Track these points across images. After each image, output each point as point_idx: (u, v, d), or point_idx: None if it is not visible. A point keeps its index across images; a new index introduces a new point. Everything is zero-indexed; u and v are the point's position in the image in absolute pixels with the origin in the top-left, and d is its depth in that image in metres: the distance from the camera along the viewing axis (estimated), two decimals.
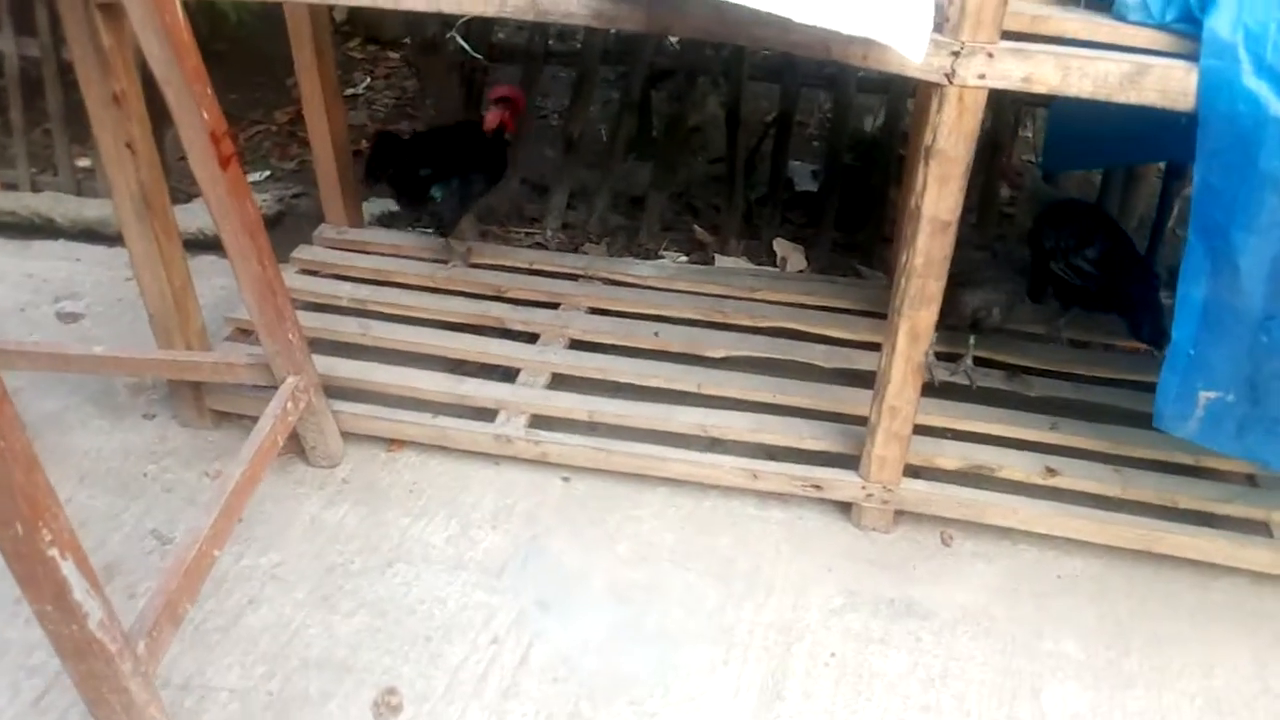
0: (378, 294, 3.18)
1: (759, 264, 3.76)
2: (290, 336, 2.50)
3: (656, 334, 3.00)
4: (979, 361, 2.84)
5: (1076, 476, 2.51)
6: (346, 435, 2.80)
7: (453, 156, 3.22)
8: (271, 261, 2.39)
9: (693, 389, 2.82)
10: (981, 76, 1.88)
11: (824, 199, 3.97)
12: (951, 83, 1.89)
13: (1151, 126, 2.17)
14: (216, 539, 2.19)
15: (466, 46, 3.42)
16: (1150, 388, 2.77)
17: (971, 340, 2.81)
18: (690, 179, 4.22)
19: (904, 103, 3.65)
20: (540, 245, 3.88)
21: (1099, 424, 2.67)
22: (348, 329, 3.01)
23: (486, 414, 2.79)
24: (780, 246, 3.80)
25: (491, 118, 3.21)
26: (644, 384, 2.86)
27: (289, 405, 2.52)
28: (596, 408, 2.73)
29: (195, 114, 2.04)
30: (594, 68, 3.73)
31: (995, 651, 2.30)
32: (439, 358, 3.01)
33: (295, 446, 2.74)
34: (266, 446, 2.41)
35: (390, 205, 4.02)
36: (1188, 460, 2.56)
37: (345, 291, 3.18)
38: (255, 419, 2.49)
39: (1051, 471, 2.51)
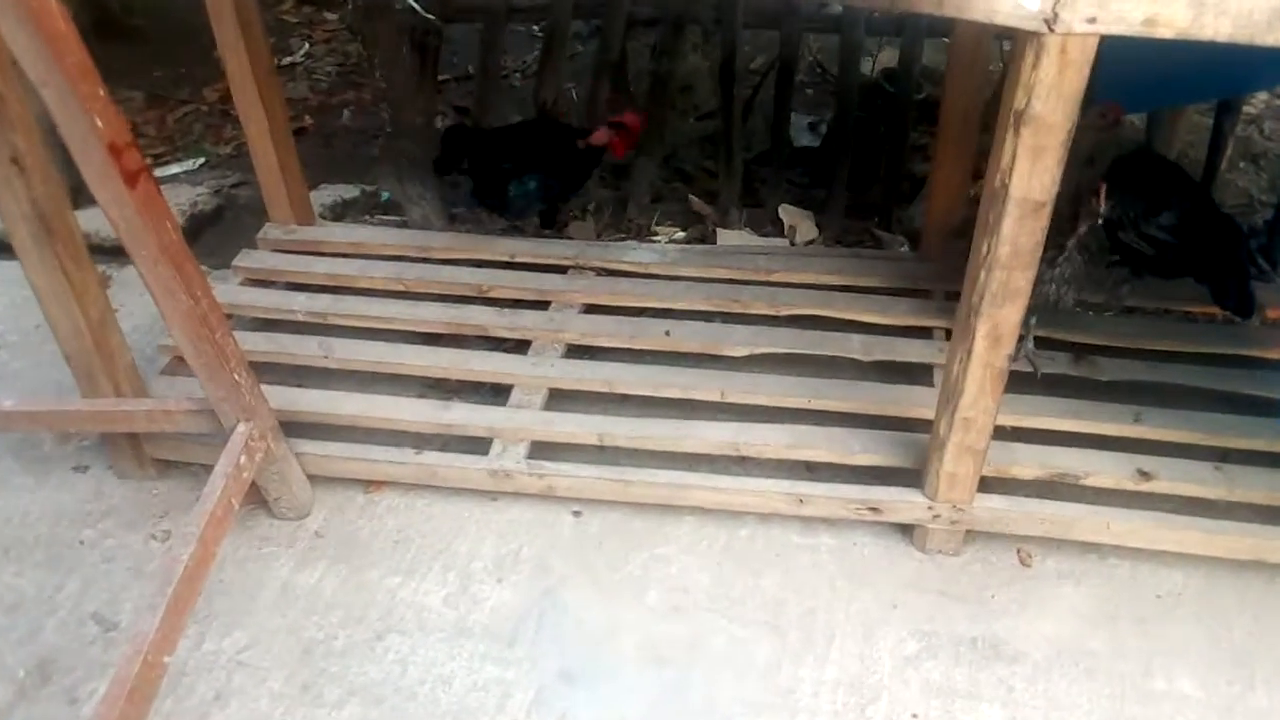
0: (338, 304, 2.74)
1: (764, 234, 3.36)
2: (237, 377, 2.07)
3: (667, 333, 2.59)
4: (1039, 342, 2.47)
5: (1173, 479, 2.16)
6: (315, 479, 2.39)
7: (535, 155, 2.98)
8: (204, 290, 1.95)
9: (715, 397, 2.43)
10: (1092, 20, 1.47)
11: (829, 155, 3.56)
12: (1053, 30, 1.49)
13: (1207, 64, 1.80)
14: (166, 642, 1.79)
15: (416, 6, 2.94)
16: (1243, 362, 2.47)
17: (1032, 320, 2.44)
18: (676, 141, 3.79)
19: (920, 44, 3.23)
20: (516, 229, 3.45)
21: (1189, 411, 2.32)
22: (307, 351, 2.58)
23: (478, 443, 2.39)
24: (787, 214, 3.39)
25: (599, 135, 2.94)
26: (658, 395, 2.46)
27: (243, 460, 2.10)
28: (607, 429, 2.33)
29: (85, 123, 1.58)
30: (566, 21, 3.26)
31: (1102, 697, 1.96)
32: (417, 378, 2.60)
33: (257, 496, 2.33)
34: (219, 515, 2.00)
35: (342, 193, 3.58)
36: None
37: (300, 304, 2.74)
38: (208, 467, 2.07)
39: (1144, 475, 2.16)
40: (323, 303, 2.74)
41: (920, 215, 3.38)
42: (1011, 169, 1.64)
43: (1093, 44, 1.51)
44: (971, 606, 2.14)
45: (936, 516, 2.16)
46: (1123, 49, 1.55)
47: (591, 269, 2.87)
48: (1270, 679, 1.99)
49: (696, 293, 2.74)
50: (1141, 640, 2.07)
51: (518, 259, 2.92)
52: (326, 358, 2.56)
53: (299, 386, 2.52)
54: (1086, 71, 1.54)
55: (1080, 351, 2.49)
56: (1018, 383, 2.40)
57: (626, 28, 3.40)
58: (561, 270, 2.87)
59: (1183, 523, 2.12)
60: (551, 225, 3.25)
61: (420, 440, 2.40)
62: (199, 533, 1.91)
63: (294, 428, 2.34)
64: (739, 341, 2.56)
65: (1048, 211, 1.68)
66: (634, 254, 2.90)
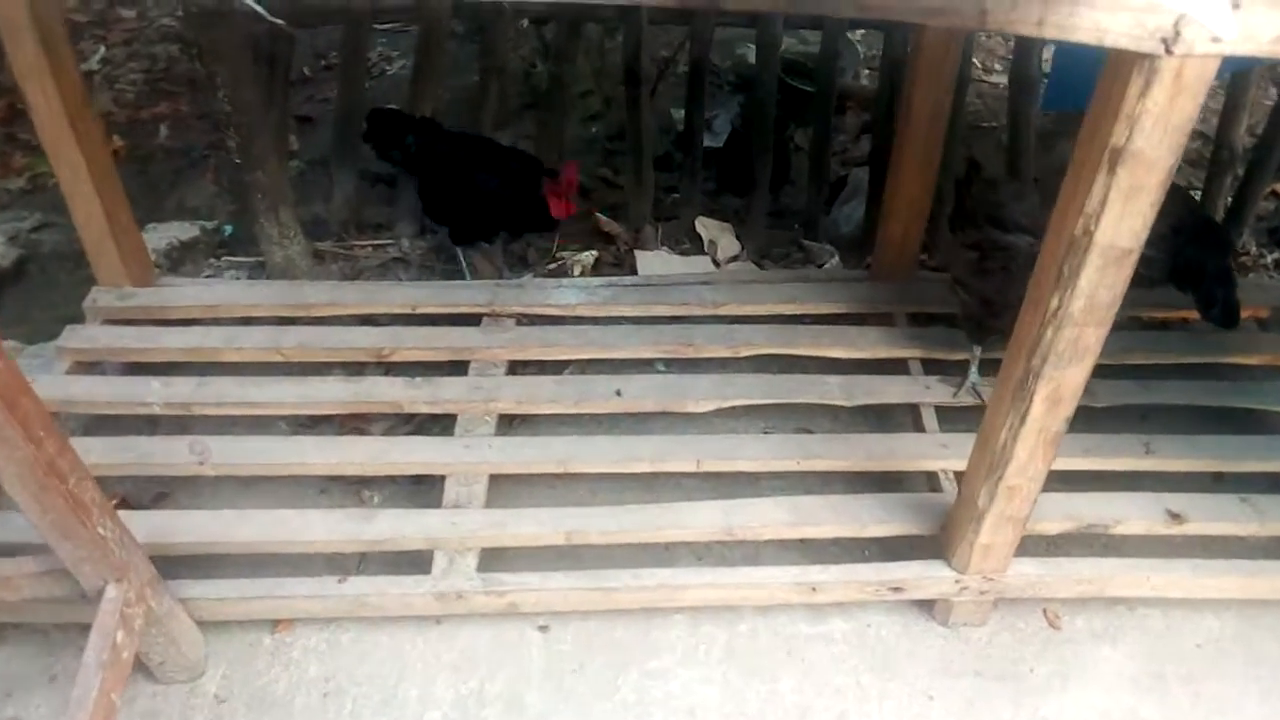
0: (204, 389, 2.20)
1: (682, 251, 3.02)
2: (102, 530, 1.56)
3: (618, 392, 2.22)
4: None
5: (1204, 519, 1.98)
6: (207, 623, 1.89)
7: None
8: (47, 428, 1.43)
9: (690, 468, 2.08)
10: (1216, 40, 1.20)
11: (735, 157, 3.25)
12: (1170, 51, 1.20)
13: None
14: None
15: (261, 10, 2.40)
16: (1229, 371, 2.32)
17: (977, 350, 2.22)
18: (563, 149, 3.38)
19: (840, 38, 2.94)
20: (400, 260, 2.97)
21: (1193, 436, 2.16)
22: (175, 457, 2.04)
23: (415, 558, 1.95)
24: (705, 228, 3.06)
25: (557, 208, 2.57)
26: (623, 470, 2.09)
27: (120, 638, 1.59)
28: (575, 524, 1.94)
29: None
30: (441, 24, 2.78)
31: None
32: (321, 478, 2.12)
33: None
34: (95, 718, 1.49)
35: (177, 233, 2.97)
36: None
37: (154, 392, 2.19)
38: (63, 627, 1.57)
39: (1175, 517, 1.98)
40: (183, 388, 2.20)
41: (845, 220, 3.13)
42: (1100, 213, 1.36)
43: (1212, 68, 1.24)
44: (1011, 686, 1.90)
45: (964, 590, 1.90)
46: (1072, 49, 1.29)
47: (509, 316, 2.44)
48: None
49: (639, 337, 2.37)
50: (1194, 703, 1.88)
51: (420, 310, 2.45)
52: (201, 463, 2.04)
53: (166, 506, 2.00)
54: (1200, 100, 1.27)
55: None
56: None
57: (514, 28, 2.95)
58: (474, 320, 2.43)
59: (1221, 568, 1.94)
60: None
61: (341, 563, 1.94)
62: None
63: (171, 561, 1.84)
64: (702, 395, 2.22)
65: (1133, 260, 1.42)
66: (557, 294, 2.49)
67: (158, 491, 2.17)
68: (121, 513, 1.87)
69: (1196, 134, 3.44)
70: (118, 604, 1.61)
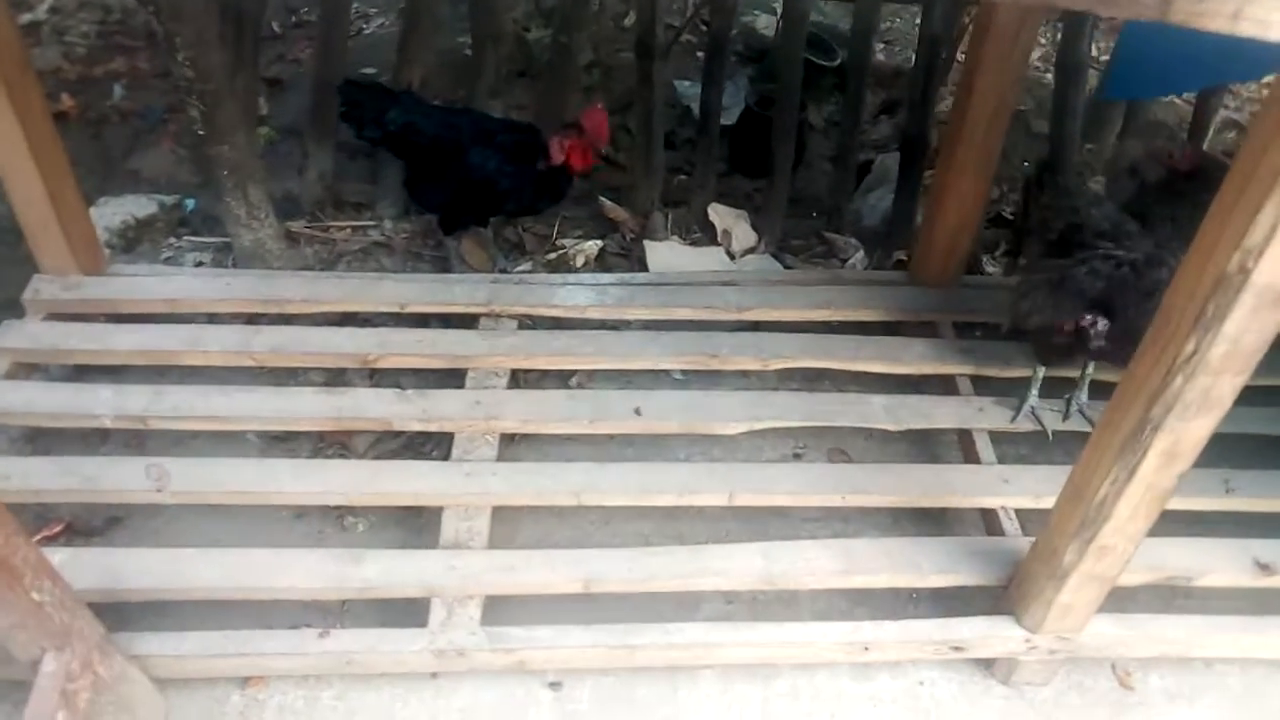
0: (162, 399, 1.92)
1: (693, 240, 2.76)
2: (36, 595, 1.29)
3: (637, 411, 1.96)
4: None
5: None
6: (167, 681, 1.62)
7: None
8: None
9: (721, 501, 1.84)
10: None
11: (750, 136, 2.99)
12: None
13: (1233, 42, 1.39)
14: None
15: None
16: None
17: (1089, 367, 1.99)
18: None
19: (878, 8, 2.67)
20: (382, 245, 2.68)
21: (1274, 471, 1.95)
22: (128, 482, 1.77)
23: (408, 607, 1.70)
24: (718, 215, 2.79)
25: (554, 151, 2.25)
26: (644, 504, 1.84)
27: (60, 718, 1.32)
28: (594, 570, 1.69)
29: None
30: None
31: None
32: (299, 507, 1.85)
33: None
34: None
35: (133, 209, 2.66)
36: None
37: (105, 402, 1.90)
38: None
39: (1264, 568, 1.77)
40: (138, 398, 1.91)
41: (869, 211, 2.88)
42: (1264, 248, 1.12)
43: None
44: None
45: (1034, 649, 1.68)
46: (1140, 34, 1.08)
47: (511, 317, 2.18)
48: None
49: (658, 346, 2.11)
50: None
51: (409, 309, 2.18)
52: (159, 490, 1.76)
53: (118, 533, 1.73)
54: None
55: None
56: (1066, 446, 1.97)
57: None
58: (472, 321, 2.17)
59: None
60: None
61: (321, 612, 1.68)
62: None
63: (124, 612, 1.57)
64: (731, 414, 1.97)
65: None
66: (563, 293, 2.23)
67: (109, 516, 1.90)
68: (65, 551, 1.63)
69: None
70: (58, 679, 1.34)
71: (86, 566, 1.62)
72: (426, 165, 2.33)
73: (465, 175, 2.27)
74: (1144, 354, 1.33)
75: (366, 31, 3.73)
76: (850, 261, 2.69)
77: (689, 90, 3.46)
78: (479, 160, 2.26)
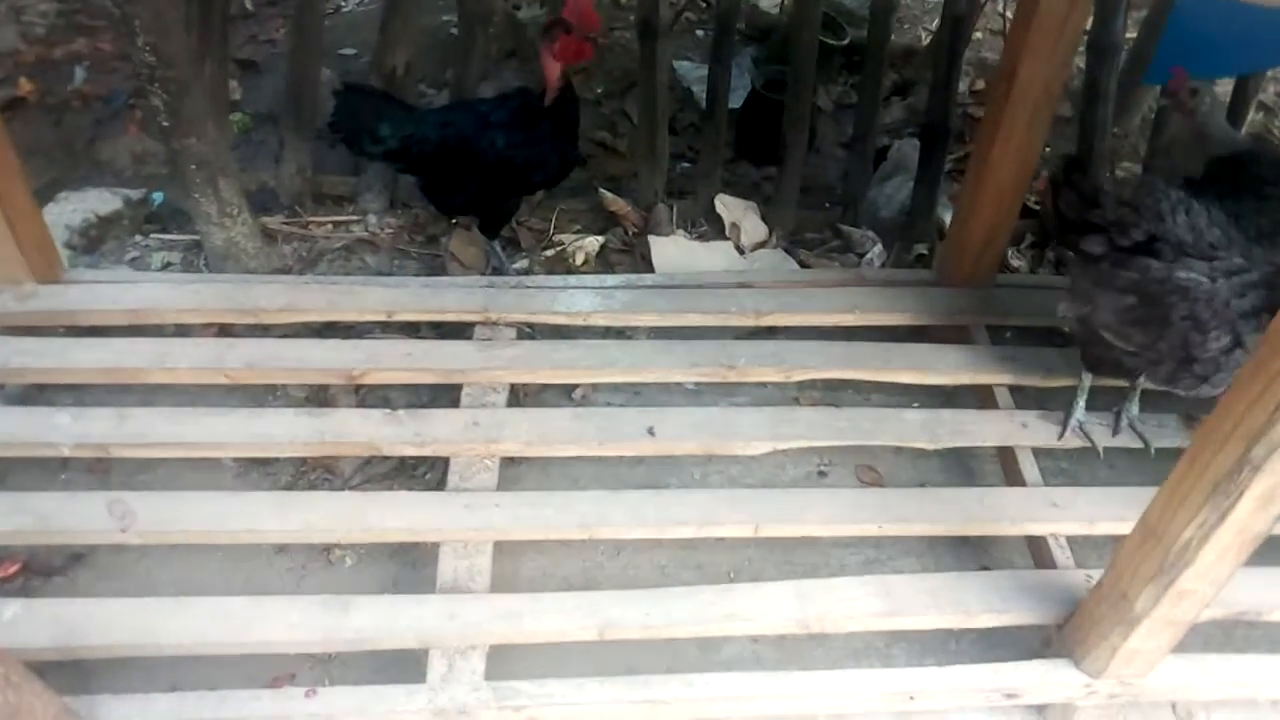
0: (126, 425, 1.73)
1: (699, 234, 2.58)
2: None
3: (651, 431, 1.79)
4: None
5: None
6: None
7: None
8: None
9: (747, 533, 1.67)
10: None
11: (757, 120, 2.81)
12: None
13: None
14: None
15: None
16: None
17: (1141, 378, 1.84)
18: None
19: None
20: (366, 242, 2.49)
21: None
22: (89, 521, 1.58)
23: (405, 655, 1.53)
24: (726, 207, 2.61)
25: (548, 65, 2.03)
26: (660, 536, 1.68)
27: None
28: (610, 615, 1.53)
29: None
30: None
31: None
32: (280, 546, 1.68)
33: None
34: None
35: (95, 205, 2.47)
36: None
37: (63, 431, 1.71)
38: None
39: None
40: (100, 424, 1.72)
41: (885, 202, 2.71)
42: None
43: None
44: None
45: (1094, 694, 1.53)
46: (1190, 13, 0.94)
47: (509, 325, 2.00)
48: None
49: (670, 356, 1.94)
50: None
51: (398, 316, 1.99)
52: (124, 530, 1.58)
53: (80, 574, 1.55)
54: None
55: (1192, 416, 1.91)
56: (1121, 464, 1.82)
57: None
58: (467, 330, 1.99)
59: None
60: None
61: (304, 660, 1.51)
62: None
63: (85, 670, 1.40)
64: (753, 433, 1.80)
65: None
66: (565, 298, 2.05)
67: (71, 553, 1.72)
68: (17, 603, 1.46)
69: None
70: None
71: (42, 621, 1.45)
72: (439, 171, 2.12)
73: (480, 164, 2.06)
74: (1242, 387, 1.17)
75: (345, 9, 3.51)
76: (868, 256, 2.52)
77: (690, 72, 3.28)
78: (486, 144, 2.06)
